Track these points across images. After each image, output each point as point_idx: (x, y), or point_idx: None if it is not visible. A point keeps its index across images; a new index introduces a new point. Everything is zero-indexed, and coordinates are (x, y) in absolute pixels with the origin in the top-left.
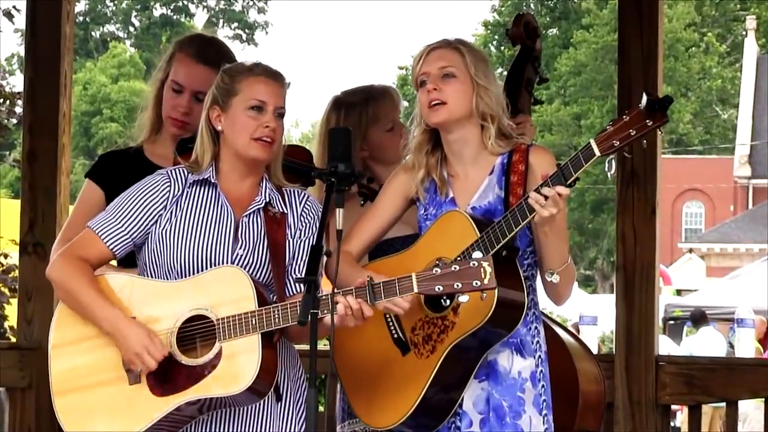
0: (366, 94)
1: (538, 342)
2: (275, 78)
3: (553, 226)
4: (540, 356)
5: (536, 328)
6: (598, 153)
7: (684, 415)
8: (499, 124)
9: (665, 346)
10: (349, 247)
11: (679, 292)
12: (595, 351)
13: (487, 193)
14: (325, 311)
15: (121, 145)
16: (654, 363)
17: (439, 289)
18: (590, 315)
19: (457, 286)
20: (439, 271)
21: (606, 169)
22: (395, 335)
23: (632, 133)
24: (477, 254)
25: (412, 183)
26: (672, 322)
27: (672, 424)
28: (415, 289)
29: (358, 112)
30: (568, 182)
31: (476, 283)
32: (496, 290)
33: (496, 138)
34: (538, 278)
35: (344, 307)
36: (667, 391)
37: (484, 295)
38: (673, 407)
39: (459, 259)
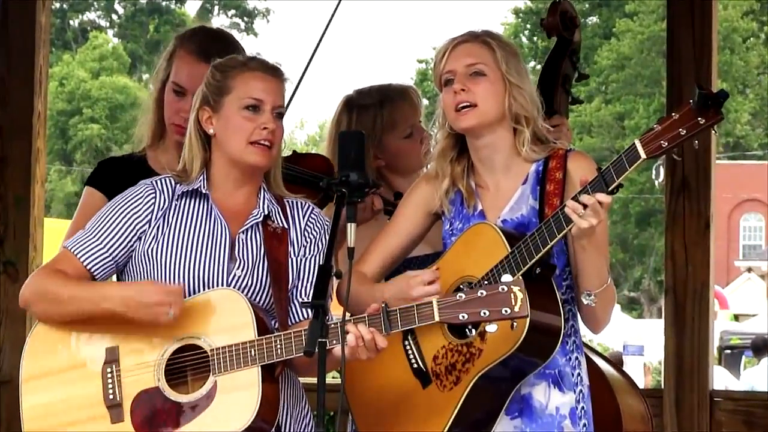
0: (382, 94)
1: (579, 375)
2: (273, 73)
3: (592, 239)
4: (581, 391)
5: (577, 358)
6: (643, 155)
7: None
8: (534, 127)
9: (721, 379)
10: (365, 268)
11: (736, 318)
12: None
13: (519, 204)
14: (335, 342)
15: (121, 153)
16: (708, 399)
17: (463, 317)
18: (636, 343)
19: (484, 313)
20: (463, 296)
21: (653, 177)
22: (415, 365)
23: (682, 133)
24: (506, 277)
25: (435, 195)
26: (728, 351)
27: None
28: (437, 318)
29: (373, 116)
30: (610, 189)
31: (506, 311)
32: (528, 313)
33: (530, 143)
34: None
35: (355, 338)
36: (724, 431)
37: (515, 324)
38: None
39: (486, 282)
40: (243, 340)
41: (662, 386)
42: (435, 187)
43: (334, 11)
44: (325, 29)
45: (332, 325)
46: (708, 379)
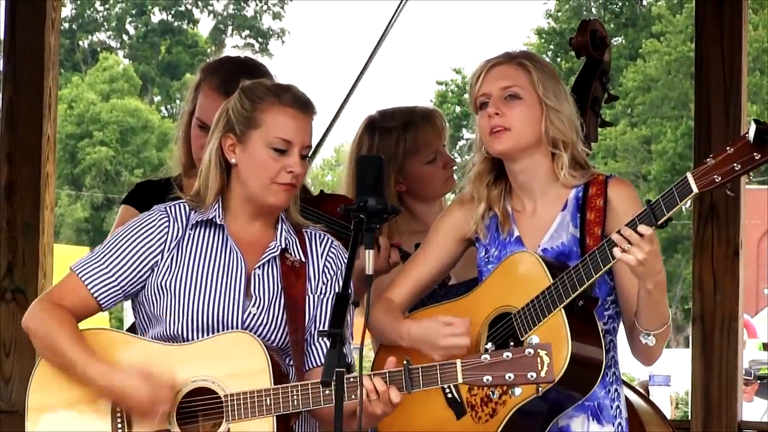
0: (405, 117)
1: (618, 407)
2: (305, 110)
3: (657, 280)
4: (621, 423)
5: (617, 390)
6: (696, 189)
7: None
8: (573, 151)
9: (751, 410)
10: (394, 295)
11: (765, 347)
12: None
13: (560, 232)
14: (353, 396)
15: (160, 176)
16: (737, 430)
17: (488, 380)
18: (662, 374)
19: (509, 377)
20: (488, 358)
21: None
22: (449, 395)
23: (737, 168)
24: (534, 339)
25: (470, 220)
26: (758, 381)
27: None
28: (460, 379)
29: (396, 140)
30: (659, 222)
31: (531, 376)
32: (569, 345)
33: (569, 168)
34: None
35: (368, 392)
36: None
37: (541, 388)
38: None
39: (512, 345)
40: (258, 387)
41: (690, 417)
42: (469, 212)
43: (393, 18)
44: (379, 42)
45: (352, 379)
46: (737, 410)
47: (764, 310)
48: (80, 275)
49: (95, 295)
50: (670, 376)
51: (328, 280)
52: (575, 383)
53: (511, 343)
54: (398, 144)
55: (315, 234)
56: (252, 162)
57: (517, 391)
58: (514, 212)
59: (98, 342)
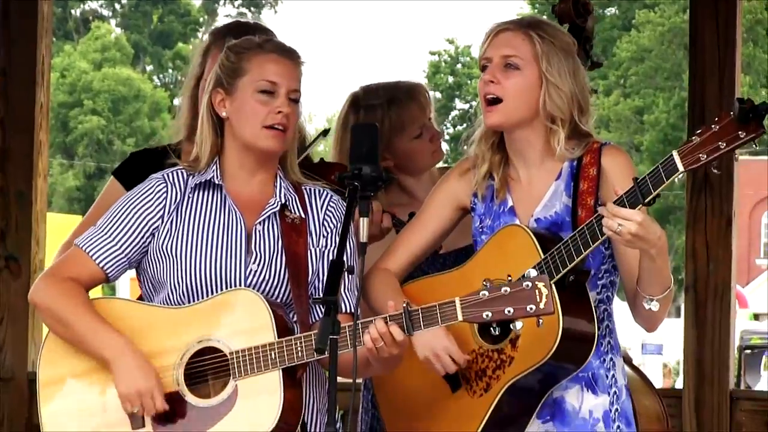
0: (389, 94)
1: (613, 376)
2: (289, 56)
3: (659, 248)
4: (616, 392)
5: (612, 359)
6: (681, 168)
7: None
8: (572, 126)
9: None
10: (390, 264)
11: (756, 317)
12: (659, 384)
13: (553, 201)
14: (350, 345)
15: (156, 144)
16: (728, 399)
17: (487, 315)
18: (654, 342)
19: (509, 311)
20: (487, 294)
21: None
22: None
23: (722, 146)
24: (531, 272)
25: (468, 188)
26: (748, 351)
27: None
28: (460, 317)
29: (380, 117)
30: (647, 200)
31: (531, 308)
32: (561, 322)
33: (567, 140)
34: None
35: (372, 339)
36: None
37: (541, 321)
38: None
39: (510, 279)
40: (262, 342)
41: (682, 386)
42: (467, 180)
43: None
44: None
45: (345, 327)
46: (728, 379)
47: (756, 281)
48: (84, 248)
49: (101, 265)
50: (662, 345)
51: (328, 233)
52: (569, 357)
53: (509, 277)
54: (383, 121)
55: (314, 190)
56: (241, 110)
57: (518, 324)
58: (510, 180)
59: (105, 311)
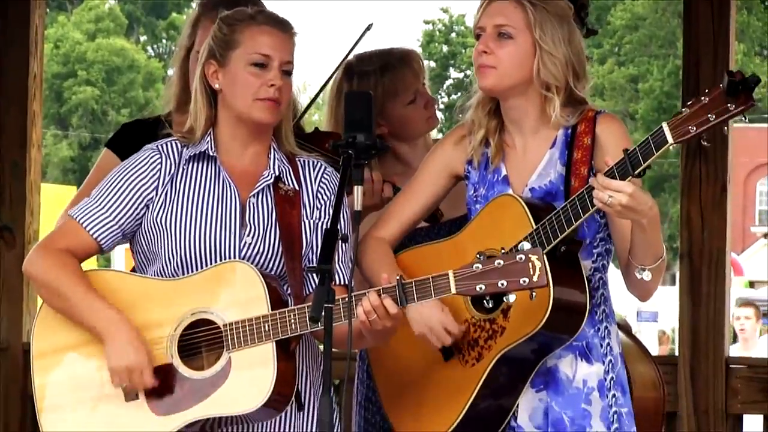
0: (382, 60)
1: (608, 344)
2: (281, 27)
3: (651, 217)
4: (611, 361)
5: (606, 328)
6: (671, 140)
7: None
8: (567, 94)
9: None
10: (383, 232)
11: (752, 284)
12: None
13: (548, 170)
14: (345, 317)
15: (147, 115)
16: (724, 366)
17: (480, 288)
18: (649, 310)
19: (502, 284)
20: (480, 267)
21: None
22: None
23: (711, 118)
24: (525, 245)
25: (463, 156)
26: None
27: None
28: (453, 290)
29: (374, 84)
30: (636, 172)
31: (524, 281)
32: (552, 292)
33: (562, 108)
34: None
35: (365, 312)
36: (739, 399)
37: (534, 294)
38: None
39: (504, 252)
40: (256, 314)
41: (677, 354)
42: (461, 148)
43: None
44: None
45: (339, 301)
46: (724, 347)
47: (751, 248)
48: (78, 219)
49: (95, 236)
50: (658, 313)
51: (322, 205)
52: (560, 327)
53: (502, 250)
54: (377, 87)
55: (308, 162)
56: (234, 82)
57: (511, 297)
58: (506, 147)
59: (99, 283)
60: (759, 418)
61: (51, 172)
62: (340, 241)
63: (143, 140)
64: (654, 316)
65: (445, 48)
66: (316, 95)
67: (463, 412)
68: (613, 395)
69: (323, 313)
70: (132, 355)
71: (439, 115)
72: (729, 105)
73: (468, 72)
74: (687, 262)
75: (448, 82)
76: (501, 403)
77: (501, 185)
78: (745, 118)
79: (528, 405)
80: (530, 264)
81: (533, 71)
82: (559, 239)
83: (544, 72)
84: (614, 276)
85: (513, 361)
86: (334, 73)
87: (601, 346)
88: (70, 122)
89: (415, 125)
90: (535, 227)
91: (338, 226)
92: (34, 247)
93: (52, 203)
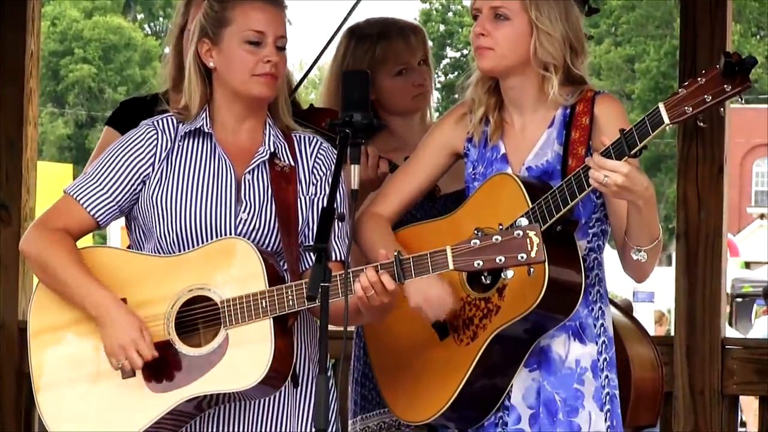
0: (383, 28)
1: (602, 325)
2: (273, 2)
3: (647, 198)
4: (604, 341)
5: (600, 308)
6: (667, 120)
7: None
8: (566, 72)
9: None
10: (382, 209)
11: (747, 265)
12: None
13: (545, 150)
14: (341, 294)
15: (145, 93)
16: (720, 347)
17: (478, 264)
18: (646, 290)
19: (500, 260)
20: (478, 243)
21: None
22: None
23: (707, 99)
24: (523, 221)
25: (463, 134)
26: (740, 299)
27: (740, 417)
28: (451, 265)
29: (366, 49)
30: (633, 152)
31: (522, 257)
32: (547, 271)
33: (560, 87)
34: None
35: (363, 288)
36: (735, 380)
37: (532, 270)
38: (742, 398)
39: (501, 228)
40: (253, 291)
41: (673, 334)
42: (462, 126)
43: None
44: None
45: (336, 277)
46: (720, 327)
47: (747, 229)
48: (75, 195)
49: (92, 212)
50: (654, 293)
51: (318, 181)
52: (555, 307)
53: (500, 226)
54: (367, 52)
55: (304, 137)
56: (229, 60)
57: (509, 273)
58: (505, 124)
59: (95, 260)
60: None
61: (47, 150)
62: (336, 220)
63: (141, 117)
64: (650, 296)
65: (442, 27)
66: (311, 67)
67: (458, 390)
68: (606, 376)
69: (320, 292)
70: (124, 334)
71: (436, 94)
72: (725, 86)
73: (465, 51)
74: (683, 242)
75: (445, 61)
76: (495, 382)
77: (499, 163)
78: (742, 99)
79: (521, 384)
80: (528, 240)
81: (530, 51)
82: (554, 219)
83: (541, 52)
84: (610, 257)
85: (508, 340)
86: (327, 45)
87: (595, 326)
88: (67, 100)
89: (399, 99)
90: (531, 206)
91: (335, 205)
92: (31, 226)
93: (48, 181)
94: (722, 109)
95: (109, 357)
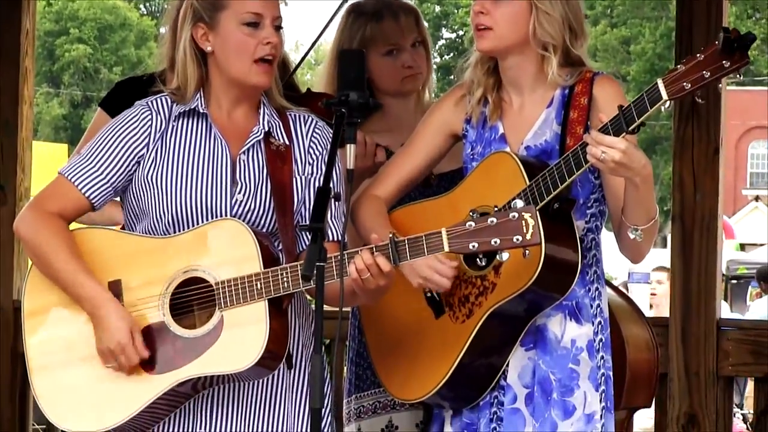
0: (379, 7)
1: (599, 306)
2: None
3: (644, 176)
4: (600, 322)
5: (597, 289)
6: (665, 96)
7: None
8: (565, 53)
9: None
10: (380, 191)
11: (742, 247)
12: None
13: (543, 129)
14: (336, 275)
15: (141, 73)
16: (715, 328)
17: (473, 246)
18: (641, 271)
19: (495, 242)
20: (473, 225)
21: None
22: (429, 294)
23: (706, 75)
24: (518, 203)
25: (461, 115)
26: (735, 281)
27: (735, 399)
28: (446, 248)
29: (359, 27)
30: (631, 128)
31: (517, 239)
32: (543, 249)
33: (559, 68)
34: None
35: (357, 270)
36: (730, 362)
37: (528, 252)
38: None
39: (497, 209)
40: (248, 272)
41: (668, 315)
42: (460, 107)
43: None
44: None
45: (331, 258)
46: (715, 309)
47: (742, 211)
48: (69, 177)
49: (86, 194)
50: (649, 274)
51: (314, 160)
52: (551, 285)
53: (495, 208)
54: (359, 30)
55: (299, 116)
56: (228, 44)
57: (505, 255)
58: (503, 104)
59: (89, 242)
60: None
61: (42, 130)
62: (332, 199)
63: (136, 98)
64: (645, 277)
65: (437, 8)
66: (309, 48)
67: (452, 368)
68: (602, 357)
69: (315, 272)
70: (115, 338)
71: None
72: (724, 62)
73: (461, 32)
74: (679, 224)
75: (441, 42)
76: (491, 361)
77: (498, 143)
78: (740, 76)
79: (518, 363)
80: (523, 222)
81: (530, 31)
82: (552, 195)
83: (540, 31)
84: (606, 238)
85: (503, 317)
86: (326, 26)
87: (591, 306)
88: (62, 80)
89: (388, 80)
90: (528, 183)
91: (331, 185)
92: (26, 206)
93: (43, 161)
94: (719, 86)
95: (100, 356)
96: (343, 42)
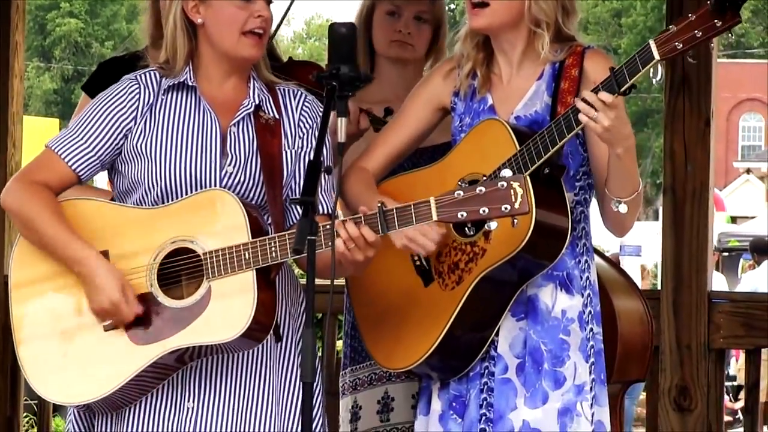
0: None
1: (588, 278)
2: None
3: (627, 145)
4: (590, 295)
5: (587, 261)
6: (657, 56)
7: (741, 362)
8: (556, 30)
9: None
10: (369, 164)
11: (734, 220)
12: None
13: (534, 101)
14: (326, 246)
15: (123, 52)
16: (707, 301)
17: (462, 215)
18: (632, 244)
19: (484, 211)
20: (462, 194)
21: (651, 75)
22: (417, 262)
23: (698, 35)
24: (506, 172)
25: (450, 88)
26: (726, 254)
27: (727, 371)
28: (435, 216)
29: None
30: (622, 90)
31: (506, 208)
32: (533, 214)
33: (551, 44)
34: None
35: (344, 241)
36: (722, 334)
37: (516, 221)
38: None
39: (485, 178)
40: (236, 242)
41: (660, 288)
42: (450, 80)
43: None
44: None
45: (323, 227)
46: (706, 281)
47: (733, 184)
48: (56, 149)
49: (73, 166)
50: (641, 247)
51: (304, 134)
52: (541, 251)
53: (484, 177)
54: None
55: (288, 90)
56: (219, 16)
57: (493, 225)
58: (493, 76)
59: (77, 212)
60: None
61: (34, 105)
62: (323, 173)
63: (119, 78)
64: (637, 250)
65: None
66: (285, 14)
67: (441, 335)
68: (591, 329)
69: (306, 246)
70: (107, 296)
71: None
72: (716, 22)
73: (452, 6)
74: (670, 196)
75: None
76: (480, 329)
77: (487, 113)
78: (732, 35)
79: (508, 334)
80: (512, 191)
81: (524, 8)
82: (543, 159)
83: (535, 8)
84: (595, 211)
85: (493, 284)
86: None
87: (581, 278)
88: (53, 54)
89: (380, 38)
90: (518, 148)
91: (321, 158)
92: (12, 178)
93: (34, 135)
94: (711, 45)
95: (95, 316)
96: None
